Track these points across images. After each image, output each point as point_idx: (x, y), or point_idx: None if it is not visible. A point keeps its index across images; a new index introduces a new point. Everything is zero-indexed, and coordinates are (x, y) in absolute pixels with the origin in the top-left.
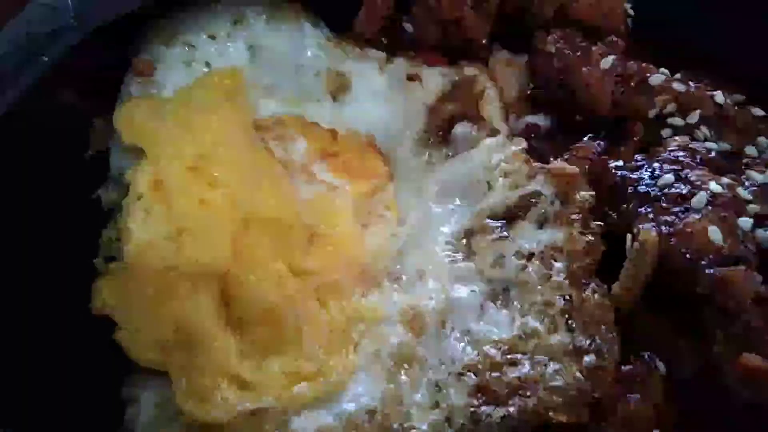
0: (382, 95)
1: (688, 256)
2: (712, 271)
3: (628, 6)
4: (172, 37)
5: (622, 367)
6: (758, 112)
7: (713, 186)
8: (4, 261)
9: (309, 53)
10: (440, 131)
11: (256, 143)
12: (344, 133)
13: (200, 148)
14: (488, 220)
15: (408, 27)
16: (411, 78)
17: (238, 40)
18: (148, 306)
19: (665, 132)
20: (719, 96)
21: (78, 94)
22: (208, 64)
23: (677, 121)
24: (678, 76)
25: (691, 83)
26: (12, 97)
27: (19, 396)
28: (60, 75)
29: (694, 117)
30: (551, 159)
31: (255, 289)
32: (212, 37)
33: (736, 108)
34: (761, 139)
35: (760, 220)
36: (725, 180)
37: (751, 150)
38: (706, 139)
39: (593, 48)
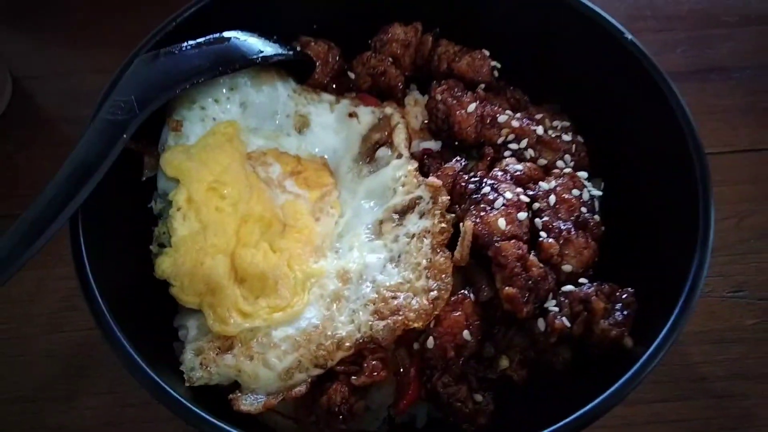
0: (331, 128)
1: (486, 236)
2: (497, 244)
3: (494, 63)
4: (191, 103)
5: (451, 298)
6: (566, 137)
7: (508, 195)
8: (104, 244)
9: (281, 102)
10: (368, 154)
11: (249, 169)
12: (305, 157)
13: (214, 176)
14: (392, 214)
15: (351, 75)
16: (351, 115)
17: (234, 100)
18: (189, 272)
19: (506, 153)
20: (539, 129)
21: (135, 142)
22: (214, 119)
23: (514, 146)
24: (518, 115)
25: (524, 120)
26: (111, 158)
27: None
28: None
29: (524, 143)
30: (430, 174)
31: (250, 260)
32: (216, 101)
33: (553, 135)
34: (567, 156)
35: (535, 214)
36: (518, 190)
37: (560, 163)
38: (530, 158)
39: (464, 96)
